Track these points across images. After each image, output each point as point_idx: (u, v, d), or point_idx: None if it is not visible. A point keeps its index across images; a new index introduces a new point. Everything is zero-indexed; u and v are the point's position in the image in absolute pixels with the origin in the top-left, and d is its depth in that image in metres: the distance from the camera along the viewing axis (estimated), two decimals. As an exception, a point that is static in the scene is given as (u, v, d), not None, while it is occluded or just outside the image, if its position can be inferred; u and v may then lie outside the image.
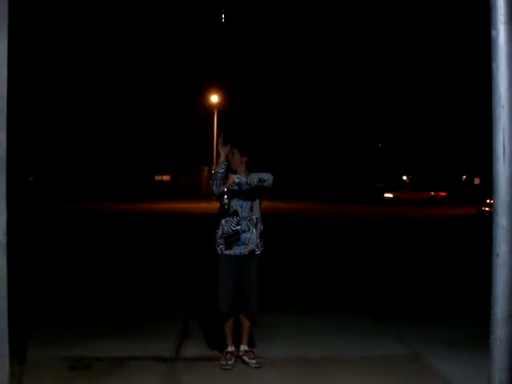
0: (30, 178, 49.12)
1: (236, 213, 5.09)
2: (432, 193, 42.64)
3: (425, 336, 6.06)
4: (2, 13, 2.80)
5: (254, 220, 5.15)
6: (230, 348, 5.20)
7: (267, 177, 5.12)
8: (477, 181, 54.19)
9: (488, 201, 27.10)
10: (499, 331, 2.88)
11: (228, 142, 5.16)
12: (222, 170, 5.06)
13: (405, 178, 57.22)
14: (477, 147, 44.40)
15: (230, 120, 44.39)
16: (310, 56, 50.32)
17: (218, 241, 5.15)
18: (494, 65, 2.90)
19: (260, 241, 5.18)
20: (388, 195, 43.84)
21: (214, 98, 45.25)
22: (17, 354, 4.77)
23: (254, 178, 5.04)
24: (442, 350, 5.57)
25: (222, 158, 5.11)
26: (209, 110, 45.62)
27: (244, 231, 5.09)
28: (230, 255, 5.10)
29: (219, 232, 5.15)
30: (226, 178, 5.05)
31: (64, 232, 18.75)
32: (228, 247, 5.09)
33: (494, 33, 2.89)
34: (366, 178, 52.56)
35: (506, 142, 2.85)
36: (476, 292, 7.89)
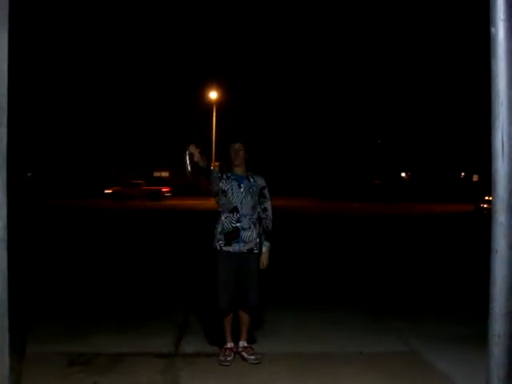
0: (29, 174, 49.05)
1: (236, 209, 5.09)
2: (155, 187, 41.40)
3: (423, 332, 6.08)
4: (2, 6, 2.79)
5: (255, 219, 5.16)
6: (229, 344, 5.21)
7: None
8: (475, 178, 54.27)
9: (486, 197, 27.18)
10: (497, 327, 2.88)
11: (199, 148, 5.14)
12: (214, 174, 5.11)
13: (403, 174, 57.26)
14: (475, 144, 44.49)
15: (230, 116, 44.40)
16: (310, 53, 50.31)
17: (218, 236, 5.15)
18: (493, 62, 2.90)
19: (259, 241, 5.19)
20: (107, 191, 41.02)
21: (213, 95, 45.24)
22: (16, 350, 4.78)
23: (254, 194, 5.17)
24: (441, 346, 5.58)
25: (197, 158, 5.00)
26: (208, 106, 45.61)
27: (244, 229, 5.09)
28: (228, 251, 5.11)
29: (219, 228, 5.15)
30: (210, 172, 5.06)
31: (63, 228, 18.76)
32: (227, 243, 5.10)
33: (493, 30, 2.89)
34: (364, 174, 52.54)
35: (505, 139, 2.86)
36: (475, 288, 7.94)
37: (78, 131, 48.94)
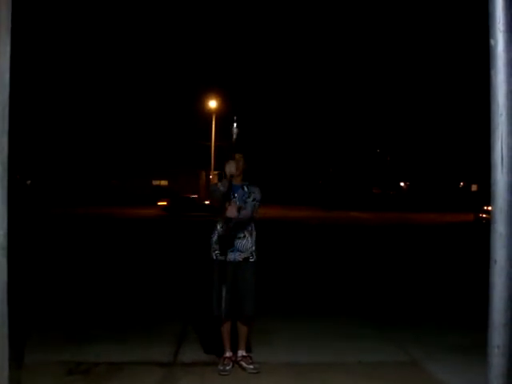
0: (28, 182, 49.02)
1: (230, 219, 5.09)
2: None
3: (423, 342, 6.07)
4: (5, 18, 2.81)
5: (249, 228, 5.17)
6: (228, 353, 5.21)
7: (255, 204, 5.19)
8: (474, 187, 54.26)
9: (485, 207, 27.16)
10: (497, 337, 2.89)
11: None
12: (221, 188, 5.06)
13: (402, 184, 57.30)
14: (474, 154, 44.55)
15: (229, 125, 44.40)
16: (310, 63, 50.52)
17: (214, 246, 5.16)
18: (492, 73, 2.92)
19: (255, 249, 5.19)
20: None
21: (213, 103, 45.32)
22: (16, 359, 4.77)
23: (248, 205, 5.11)
24: (441, 356, 5.58)
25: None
26: (207, 115, 45.69)
27: (239, 238, 5.11)
28: (224, 261, 5.11)
29: (214, 237, 5.16)
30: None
31: (63, 236, 18.73)
32: (223, 253, 5.10)
33: (492, 42, 2.91)
34: (363, 184, 52.56)
35: (504, 149, 2.87)
36: (474, 298, 7.93)
37: (78, 139, 48.94)
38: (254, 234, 5.22)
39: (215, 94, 45.47)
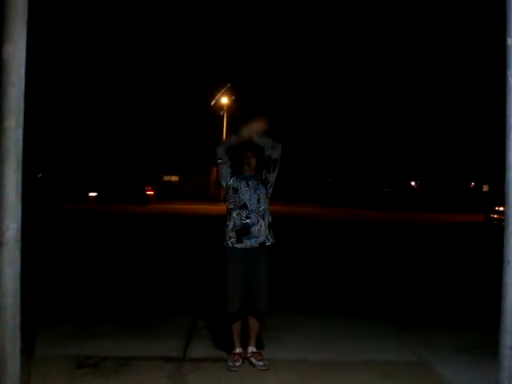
0: (39, 175, 49.17)
1: (245, 206, 5.12)
2: None
3: (431, 342, 6.05)
4: (22, 11, 2.83)
5: (262, 212, 5.17)
6: (238, 349, 5.21)
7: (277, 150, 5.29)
8: (485, 188, 53.95)
9: (497, 208, 26.99)
10: (508, 339, 2.88)
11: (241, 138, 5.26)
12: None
13: (413, 183, 57.08)
14: (485, 154, 44.34)
15: (240, 121, 44.38)
16: (320, 60, 50.36)
17: (229, 234, 5.16)
18: (508, 73, 2.90)
19: (270, 232, 5.21)
20: None
21: (224, 99, 45.33)
22: (25, 351, 4.80)
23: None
24: (448, 356, 5.55)
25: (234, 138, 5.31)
26: (218, 110, 45.70)
27: (254, 224, 5.11)
28: (241, 248, 5.12)
29: (230, 225, 5.17)
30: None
31: (72, 230, 18.81)
32: (239, 241, 5.12)
33: (509, 41, 2.89)
34: (374, 182, 52.39)
35: (519, 150, 2.86)
36: (484, 299, 7.90)
37: (89, 134, 49.09)
38: (268, 218, 5.22)
39: (226, 90, 45.48)
